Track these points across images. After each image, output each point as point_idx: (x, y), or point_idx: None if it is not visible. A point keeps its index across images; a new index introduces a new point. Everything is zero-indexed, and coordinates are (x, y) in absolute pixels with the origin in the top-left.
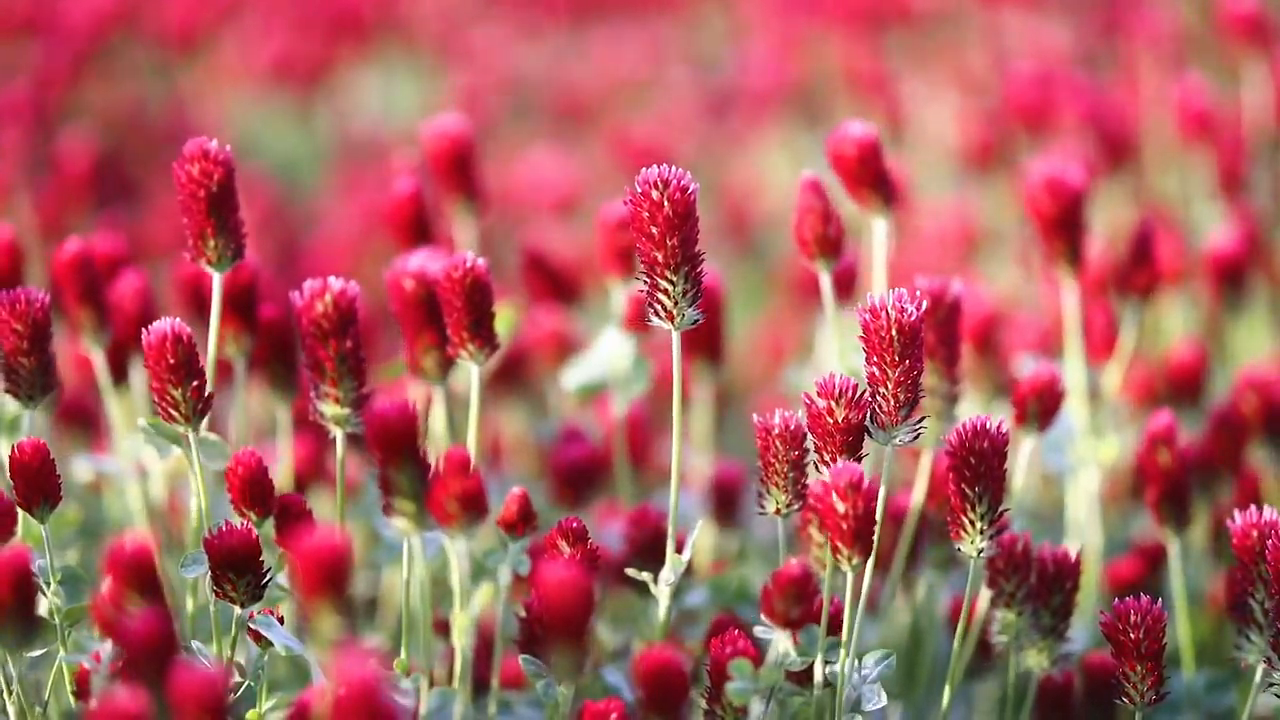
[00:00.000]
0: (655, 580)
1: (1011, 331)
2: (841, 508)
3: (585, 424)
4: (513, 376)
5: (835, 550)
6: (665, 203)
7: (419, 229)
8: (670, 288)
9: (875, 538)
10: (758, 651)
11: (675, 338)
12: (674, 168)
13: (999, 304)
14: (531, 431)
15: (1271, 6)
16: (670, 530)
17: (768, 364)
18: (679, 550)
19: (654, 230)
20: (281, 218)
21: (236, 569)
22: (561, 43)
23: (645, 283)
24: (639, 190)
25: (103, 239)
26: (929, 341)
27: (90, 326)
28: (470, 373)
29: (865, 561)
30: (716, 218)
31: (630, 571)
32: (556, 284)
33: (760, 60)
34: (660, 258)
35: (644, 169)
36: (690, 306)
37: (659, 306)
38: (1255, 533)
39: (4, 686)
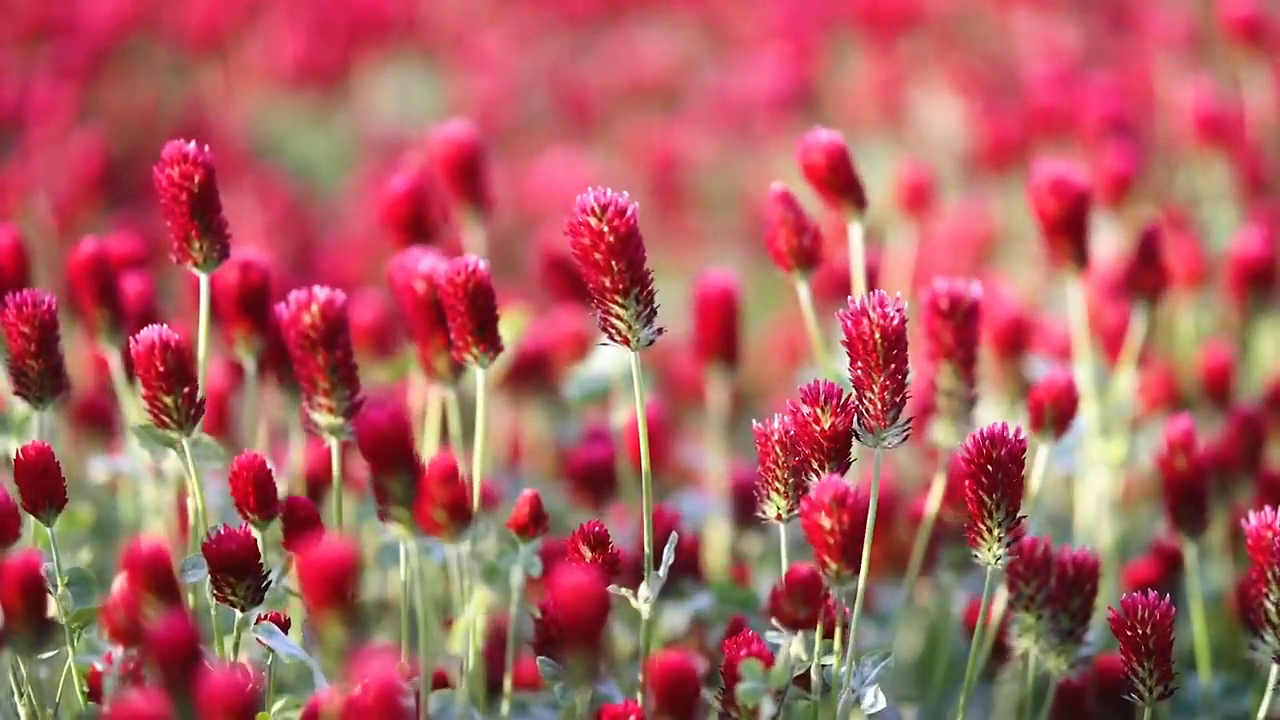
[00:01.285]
0: (634, 595)
1: (1036, 335)
2: (827, 524)
3: (608, 425)
4: (533, 377)
5: (823, 565)
6: (605, 229)
7: (416, 227)
8: (623, 312)
9: (865, 550)
10: (771, 654)
11: (635, 359)
12: (609, 191)
13: (1023, 307)
14: (551, 432)
15: (1273, 7)
16: (646, 545)
17: (784, 366)
18: (657, 566)
19: (597, 257)
20: (299, 218)
21: (236, 573)
22: (577, 45)
23: (597, 308)
24: (577, 219)
25: (115, 240)
26: (947, 343)
27: (105, 327)
28: (477, 375)
29: (854, 575)
30: (733, 220)
31: (611, 588)
32: (577, 284)
33: (774, 65)
34: (608, 284)
35: (579, 196)
36: (645, 327)
37: (613, 331)
38: (1269, 533)
39: (14, 688)
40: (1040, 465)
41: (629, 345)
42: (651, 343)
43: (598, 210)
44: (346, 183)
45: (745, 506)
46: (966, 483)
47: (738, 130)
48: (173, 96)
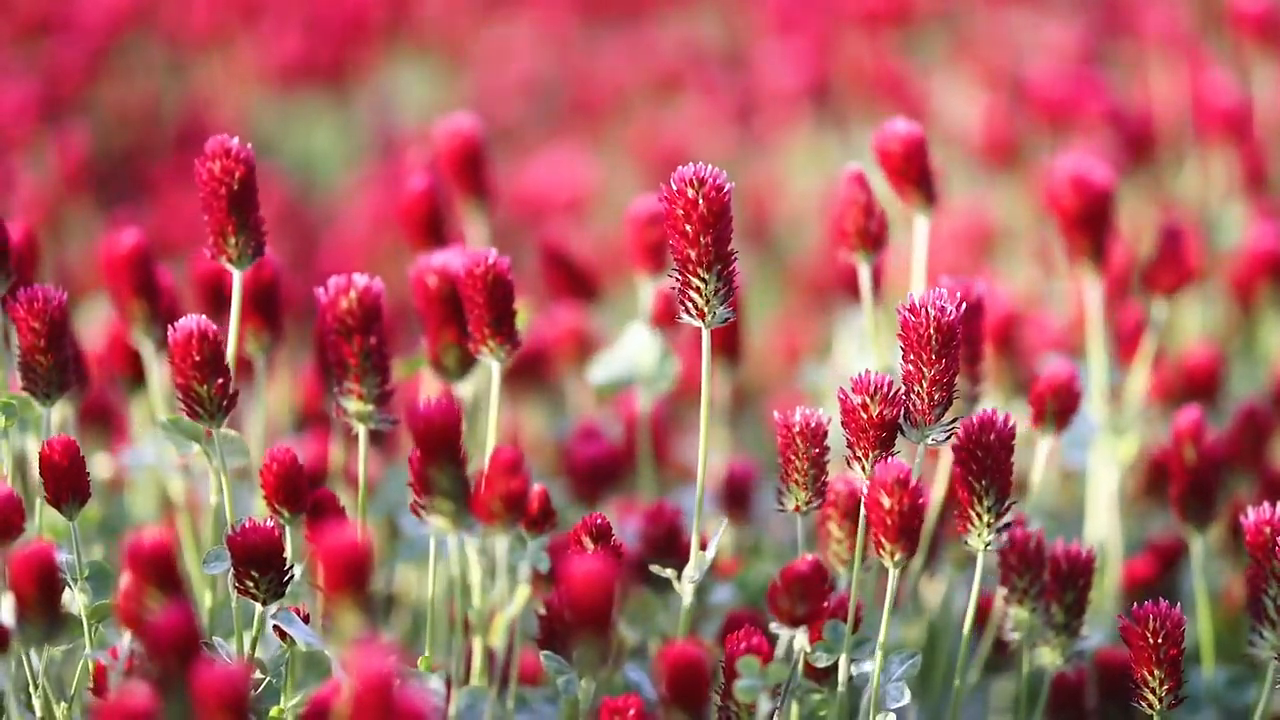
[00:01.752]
0: (678, 577)
1: (1030, 330)
2: (887, 503)
3: (603, 421)
4: (531, 374)
5: (879, 546)
6: (700, 201)
7: (433, 226)
8: (702, 286)
9: (920, 535)
10: (772, 648)
11: (705, 335)
12: (710, 166)
13: (1018, 303)
14: (550, 429)
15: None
16: (695, 527)
17: (783, 364)
18: (703, 548)
19: (688, 228)
20: (298, 216)
21: (259, 566)
22: (579, 42)
23: (677, 280)
24: (674, 188)
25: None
26: None
27: (143, 319)
28: (491, 369)
29: (909, 558)
30: (737, 217)
31: (654, 568)
32: (576, 281)
33: (781, 61)
34: (693, 255)
35: (679, 167)
36: (721, 305)
37: (690, 304)
38: (1268, 529)
39: (30, 681)
40: (1042, 459)
41: (703, 320)
42: (725, 321)
43: (696, 182)
44: (346, 180)
45: (738, 500)
46: (956, 469)
47: (746, 126)
48: (170, 94)
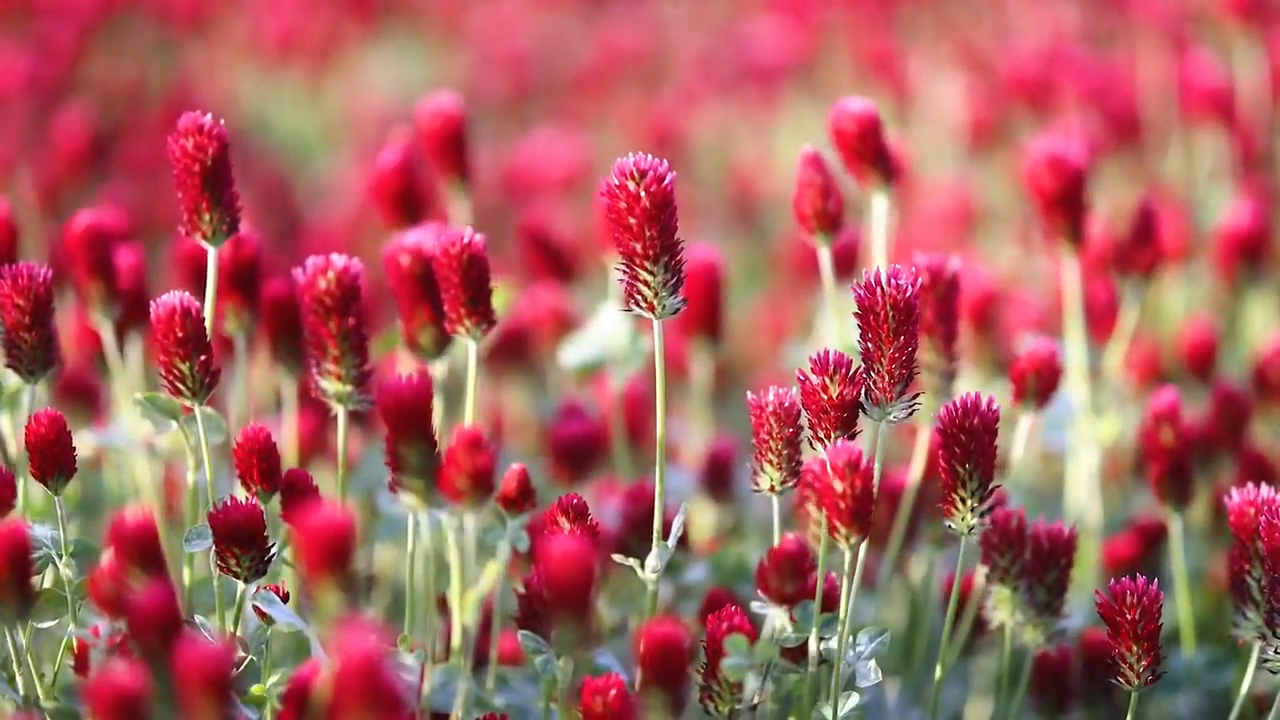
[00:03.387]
0: (642, 566)
1: (1011, 310)
2: (839, 487)
3: (585, 401)
4: (514, 354)
5: (833, 529)
6: (642, 193)
7: (406, 202)
8: (650, 278)
9: (872, 516)
10: (753, 628)
11: (657, 327)
12: (650, 156)
13: (998, 282)
14: (533, 409)
15: None
16: (657, 515)
17: (768, 342)
18: (665, 536)
19: (631, 221)
20: (285, 195)
21: (241, 543)
22: (571, 19)
23: (624, 273)
24: (615, 181)
25: (104, 214)
26: (927, 318)
27: (101, 300)
28: (468, 349)
29: (863, 540)
30: (723, 196)
31: (617, 558)
32: (556, 261)
33: (769, 38)
34: (639, 248)
35: (619, 159)
36: (671, 295)
37: (639, 296)
38: (1252, 510)
39: (13, 657)
40: (1022, 437)
41: (653, 313)
42: (676, 312)
43: (636, 174)
44: (334, 159)
45: (718, 479)
46: (940, 452)
47: (735, 101)
48: (157, 73)
